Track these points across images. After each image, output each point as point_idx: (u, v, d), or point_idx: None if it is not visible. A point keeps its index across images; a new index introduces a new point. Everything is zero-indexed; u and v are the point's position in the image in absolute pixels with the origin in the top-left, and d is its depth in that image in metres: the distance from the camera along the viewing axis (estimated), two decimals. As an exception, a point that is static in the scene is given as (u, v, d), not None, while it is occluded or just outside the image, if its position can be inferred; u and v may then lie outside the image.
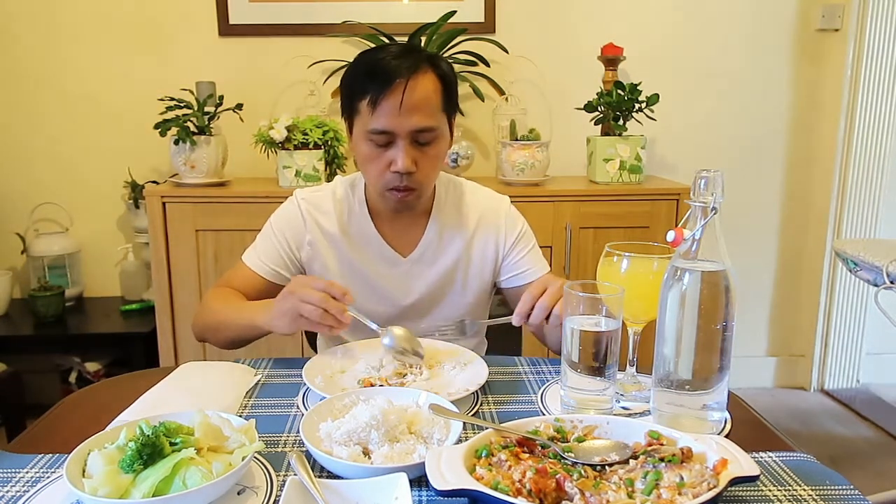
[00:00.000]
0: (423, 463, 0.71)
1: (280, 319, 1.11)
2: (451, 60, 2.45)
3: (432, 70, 1.20)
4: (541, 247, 1.92)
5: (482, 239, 1.36)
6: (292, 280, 1.14)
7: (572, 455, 0.76)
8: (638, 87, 2.31)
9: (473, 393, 1.02)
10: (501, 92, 2.52)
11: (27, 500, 0.75)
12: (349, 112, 1.24)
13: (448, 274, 1.35)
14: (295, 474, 0.74)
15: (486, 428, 0.80)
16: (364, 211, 1.33)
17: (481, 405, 1.01)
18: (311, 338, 1.59)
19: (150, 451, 0.73)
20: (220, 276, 2.19)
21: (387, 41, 2.39)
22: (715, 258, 0.85)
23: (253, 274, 1.32)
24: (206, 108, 2.26)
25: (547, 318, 1.08)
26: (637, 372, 1.04)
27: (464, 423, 0.85)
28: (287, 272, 1.33)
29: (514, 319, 1.10)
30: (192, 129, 2.23)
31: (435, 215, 1.34)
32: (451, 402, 0.91)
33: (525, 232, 1.39)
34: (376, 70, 1.17)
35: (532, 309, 1.08)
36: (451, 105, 1.25)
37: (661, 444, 0.77)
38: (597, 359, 0.91)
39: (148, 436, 0.74)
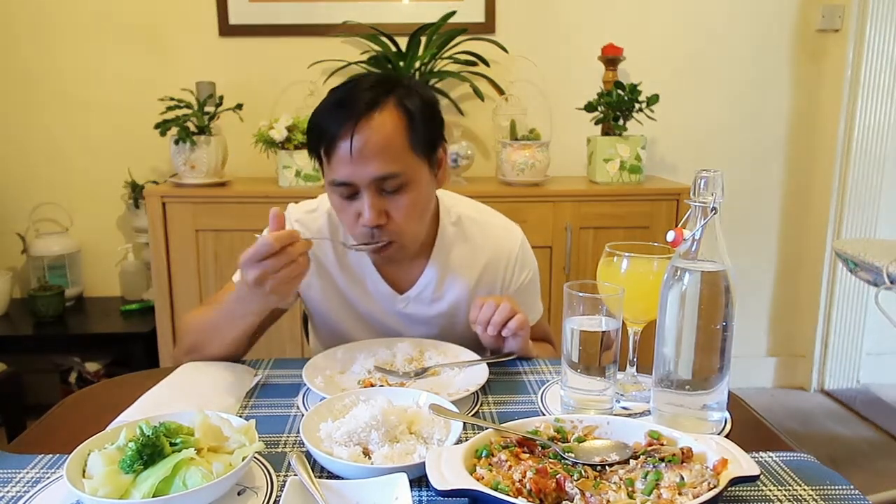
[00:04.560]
0: (423, 463, 0.71)
1: (242, 283, 1.01)
2: (450, 60, 2.46)
3: (394, 105, 1.06)
4: (541, 247, 1.91)
5: (488, 283, 1.27)
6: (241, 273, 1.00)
7: (572, 455, 0.76)
8: (638, 87, 2.31)
9: (473, 393, 1.02)
10: (501, 92, 2.52)
11: (27, 500, 0.75)
12: (318, 159, 1.13)
13: (449, 316, 1.26)
14: (295, 474, 0.74)
15: (486, 428, 0.80)
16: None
17: (481, 405, 1.01)
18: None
19: (150, 451, 0.73)
20: (219, 277, 2.23)
21: (387, 41, 2.40)
22: (715, 258, 0.85)
23: None
24: (206, 108, 2.26)
25: (500, 331, 1.09)
26: (637, 372, 1.04)
27: (464, 423, 0.85)
28: None
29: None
30: (192, 129, 2.23)
31: (437, 253, 1.24)
32: (451, 402, 0.91)
33: (530, 280, 1.31)
34: (328, 114, 1.07)
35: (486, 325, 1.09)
36: (424, 142, 1.10)
37: (661, 444, 0.77)
38: (597, 359, 0.91)
39: (148, 436, 0.74)
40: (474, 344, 1.21)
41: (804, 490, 0.76)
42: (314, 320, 1.36)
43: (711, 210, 0.84)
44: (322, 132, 1.07)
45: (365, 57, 2.44)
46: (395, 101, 1.07)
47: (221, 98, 2.29)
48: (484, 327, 1.10)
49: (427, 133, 1.10)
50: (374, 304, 1.27)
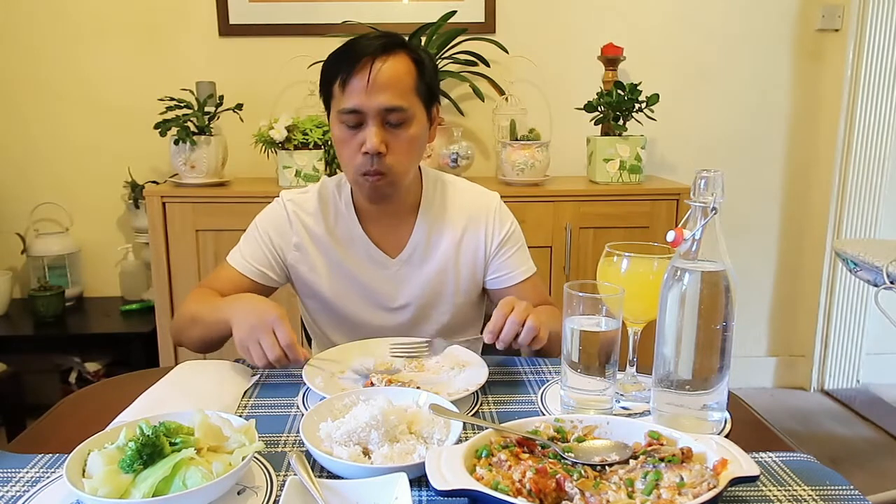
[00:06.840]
0: (423, 463, 0.71)
1: (240, 327, 1.09)
2: (451, 60, 2.46)
3: (406, 53, 1.19)
4: (541, 247, 1.90)
5: (471, 239, 1.33)
6: (273, 307, 1.09)
7: (572, 455, 0.76)
8: (638, 87, 2.31)
9: (473, 393, 1.02)
10: (501, 92, 2.52)
11: (27, 500, 0.75)
12: (327, 99, 1.23)
13: (439, 275, 1.33)
14: (295, 474, 0.74)
15: (486, 428, 0.80)
16: (351, 212, 1.31)
17: (481, 405, 1.01)
18: (310, 339, 1.59)
19: (150, 451, 0.73)
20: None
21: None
22: (715, 258, 0.85)
23: (238, 274, 1.30)
24: (206, 108, 2.26)
25: (517, 335, 1.07)
26: (637, 372, 1.04)
27: (464, 423, 0.85)
28: (273, 273, 1.32)
29: (486, 337, 1.09)
30: (192, 129, 2.23)
31: (422, 215, 1.32)
32: (451, 402, 0.91)
33: (512, 232, 1.36)
34: (347, 51, 1.18)
35: (502, 327, 1.07)
36: (427, 91, 1.22)
37: (661, 445, 0.77)
38: (597, 359, 0.91)
39: (148, 436, 0.74)
40: (464, 303, 1.35)
41: (804, 490, 0.76)
42: (309, 306, 1.39)
43: (711, 210, 0.84)
44: (341, 64, 1.17)
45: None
46: (407, 51, 1.20)
47: (221, 98, 2.29)
48: (517, 328, 1.09)
49: (430, 84, 1.23)
50: (368, 270, 1.32)
